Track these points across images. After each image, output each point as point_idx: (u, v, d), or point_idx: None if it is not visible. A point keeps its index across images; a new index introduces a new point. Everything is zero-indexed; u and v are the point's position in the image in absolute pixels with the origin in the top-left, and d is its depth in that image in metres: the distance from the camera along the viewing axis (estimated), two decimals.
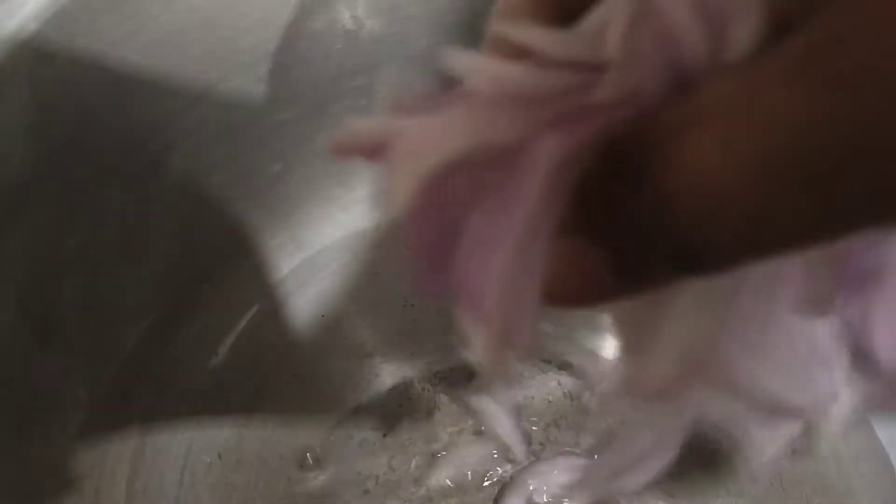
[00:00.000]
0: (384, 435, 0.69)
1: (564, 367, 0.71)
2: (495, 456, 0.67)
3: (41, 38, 0.48)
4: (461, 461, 0.67)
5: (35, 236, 0.52)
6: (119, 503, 0.61)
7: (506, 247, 0.20)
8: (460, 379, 0.70)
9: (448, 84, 0.21)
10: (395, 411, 0.71)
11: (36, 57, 0.48)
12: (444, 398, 0.71)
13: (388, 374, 0.72)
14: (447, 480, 0.66)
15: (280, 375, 0.72)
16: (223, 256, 0.71)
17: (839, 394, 0.27)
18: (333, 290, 0.77)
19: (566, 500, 0.64)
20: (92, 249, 0.57)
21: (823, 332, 0.26)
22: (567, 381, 0.71)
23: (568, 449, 0.67)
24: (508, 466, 0.67)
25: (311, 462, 0.67)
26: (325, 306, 0.76)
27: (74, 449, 0.58)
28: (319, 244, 0.77)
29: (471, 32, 0.66)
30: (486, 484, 0.66)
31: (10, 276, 0.51)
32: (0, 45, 0.46)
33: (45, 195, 0.52)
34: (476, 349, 0.22)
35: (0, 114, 0.47)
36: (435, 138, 0.20)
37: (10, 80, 0.46)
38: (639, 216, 0.19)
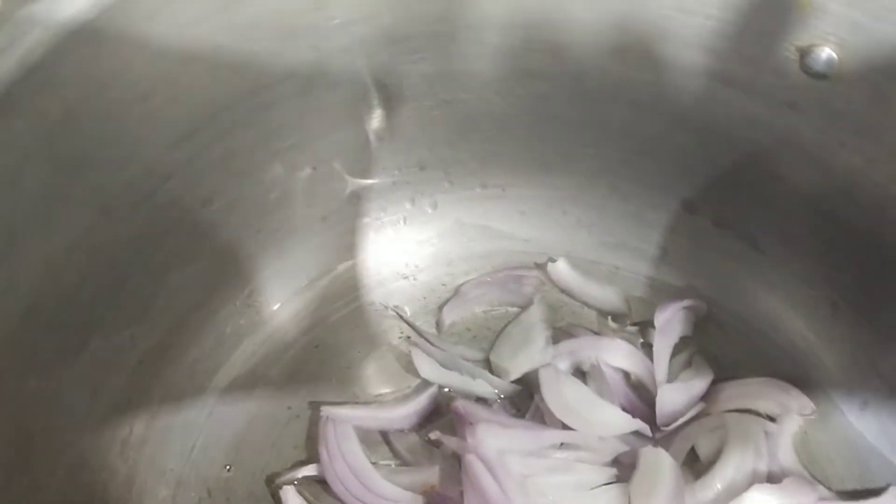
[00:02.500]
0: None
1: None
2: None
3: (47, 63, 0.45)
4: None
5: (37, 266, 0.49)
6: None
7: None
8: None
9: None
10: None
11: (43, 82, 0.46)
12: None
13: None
14: None
15: (273, 408, 0.70)
16: (217, 285, 0.69)
17: None
18: (327, 321, 0.75)
19: None
20: (88, 282, 0.54)
21: None
22: None
23: None
24: None
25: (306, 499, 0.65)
26: (320, 337, 0.74)
27: (62, 488, 0.55)
28: (314, 273, 0.75)
29: None
30: None
31: (14, 297, 0.48)
32: (7, 72, 0.43)
33: (50, 224, 0.49)
34: None
35: (4, 137, 0.45)
36: None
37: (14, 109, 0.44)
38: None
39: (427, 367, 0.71)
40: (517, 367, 0.71)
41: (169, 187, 0.58)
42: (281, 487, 0.65)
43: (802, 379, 0.71)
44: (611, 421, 0.66)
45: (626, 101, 0.68)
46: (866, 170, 0.61)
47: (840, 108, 0.60)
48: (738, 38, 0.61)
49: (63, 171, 0.49)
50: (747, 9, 0.59)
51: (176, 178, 0.58)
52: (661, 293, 0.76)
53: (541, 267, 0.78)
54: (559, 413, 0.66)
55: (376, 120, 0.69)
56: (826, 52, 0.57)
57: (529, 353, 0.71)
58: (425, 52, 0.65)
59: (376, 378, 0.73)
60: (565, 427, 0.66)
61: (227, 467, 0.67)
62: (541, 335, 0.72)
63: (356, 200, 0.74)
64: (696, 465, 0.67)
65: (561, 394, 0.67)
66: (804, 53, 0.58)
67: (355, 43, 0.62)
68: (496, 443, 0.63)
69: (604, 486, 0.64)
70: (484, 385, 0.70)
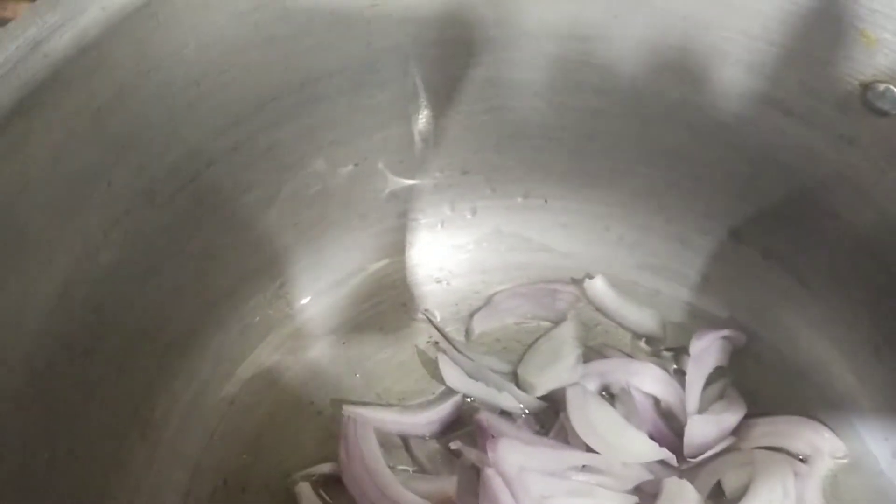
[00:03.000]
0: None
1: None
2: None
3: (103, 43, 0.45)
4: None
5: (74, 245, 0.49)
6: None
7: None
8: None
9: None
10: None
11: (96, 62, 0.45)
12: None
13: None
14: None
15: (295, 401, 0.70)
16: (249, 275, 0.68)
17: None
18: (357, 319, 0.74)
19: None
20: (124, 263, 0.54)
21: None
22: None
23: None
24: None
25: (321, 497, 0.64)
26: (348, 335, 0.73)
27: (74, 463, 0.55)
28: (347, 270, 0.75)
29: None
30: None
31: (50, 275, 0.49)
32: (61, 49, 0.43)
33: (90, 204, 0.49)
34: None
35: (53, 115, 0.45)
36: None
37: (65, 88, 0.44)
38: None
39: (453, 375, 0.70)
40: (544, 384, 0.69)
41: (211, 173, 0.58)
42: (297, 483, 0.64)
43: (837, 421, 0.69)
44: (636, 448, 0.64)
45: (680, 123, 0.67)
46: None
47: None
48: (801, 67, 0.59)
49: (108, 151, 0.49)
50: (812, 38, 0.57)
51: (219, 164, 0.58)
52: (699, 320, 0.74)
53: (577, 283, 0.76)
54: (584, 434, 0.64)
55: (423, 121, 0.68)
56: (889, 89, 0.55)
57: (558, 370, 0.70)
58: (479, 56, 0.64)
59: (401, 381, 0.72)
60: (589, 449, 0.64)
61: (245, 455, 0.66)
62: (571, 353, 0.71)
63: (395, 201, 0.73)
64: (721, 501, 0.65)
65: (587, 415, 0.65)
66: (866, 88, 0.56)
67: (408, 42, 0.61)
68: (517, 459, 0.62)
69: None
70: (509, 398, 0.69)
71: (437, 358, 0.71)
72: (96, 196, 0.50)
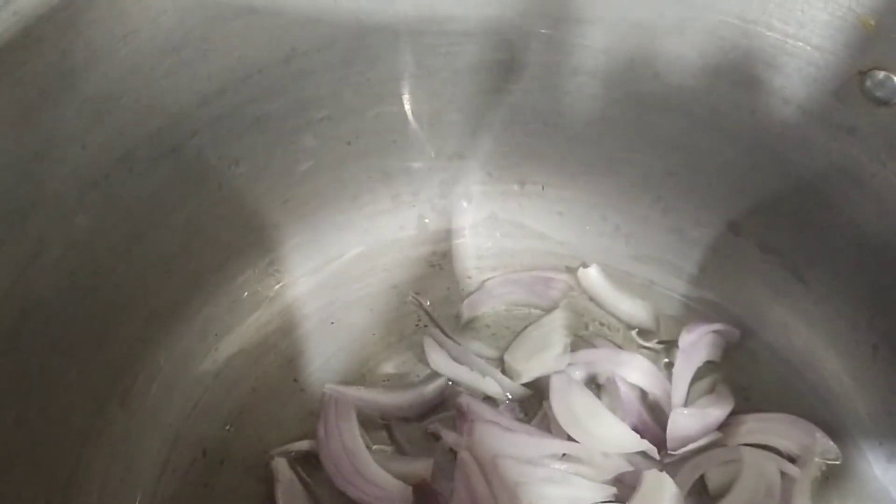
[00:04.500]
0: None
1: None
2: None
3: (75, 4, 0.45)
4: None
5: (47, 206, 0.50)
6: (92, 493, 0.58)
7: None
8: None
9: None
10: None
11: (68, 22, 0.46)
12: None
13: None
14: None
15: (279, 378, 0.70)
16: (238, 250, 0.69)
17: None
18: (346, 299, 0.74)
19: None
20: (102, 229, 0.55)
21: None
22: None
23: None
24: None
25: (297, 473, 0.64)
26: (336, 315, 0.73)
27: (48, 426, 0.56)
28: (339, 250, 0.74)
29: None
30: None
31: (21, 235, 0.49)
32: (31, 8, 0.44)
33: (64, 166, 0.50)
34: None
35: (22, 73, 0.45)
36: None
37: (34, 47, 0.44)
38: None
39: (438, 359, 0.69)
40: (530, 371, 0.68)
41: (195, 144, 0.58)
42: (274, 458, 0.64)
43: (831, 422, 0.67)
44: (617, 438, 0.63)
45: (678, 110, 0.65)
46: None
47: None
48: (799, 54, 0.57)
49: (82, 113, 0.50)
50: (810, 24, 0.55)
51: (202, 134, 0.58)
52: (693, 314, 0.73)
53: (571, 272, 0.75)
54: (564, 422, 0.63)
55: (417, 101, 0.68)
56: (888, 77, 0.53)
57: (545, 357, 0.69)
58: (472, 36, 0.64)
59: (387, 363, 0.72)
60: (570, 439, 0.63)
61: (228, 427, 0.67)
62: (559, 341, 0.70)
63: (388, 182, 0.73)
64: (703, 498, 0.64)
65: (569, 403, 0.64)
66: (865, 76, 0.54)
67: (399, 19, 0.61)
68: (494, 444, 0.61)
69: None
70: (493, 384, 0.68)
71: (423, 341, 0.71)
72: (70, 158, 0.50)
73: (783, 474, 0.64)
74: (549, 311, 0.74)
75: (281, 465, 0.64)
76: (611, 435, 0.63)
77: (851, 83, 0.56)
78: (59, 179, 0.50)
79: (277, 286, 0.72)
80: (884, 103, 0.55)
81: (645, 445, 0.63)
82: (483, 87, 0.68)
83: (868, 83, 0.55)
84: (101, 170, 0.53)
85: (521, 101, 0.69)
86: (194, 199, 0.62)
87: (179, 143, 0.57)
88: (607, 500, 0.61)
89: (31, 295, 0.51)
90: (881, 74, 0.54)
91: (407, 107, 0.68)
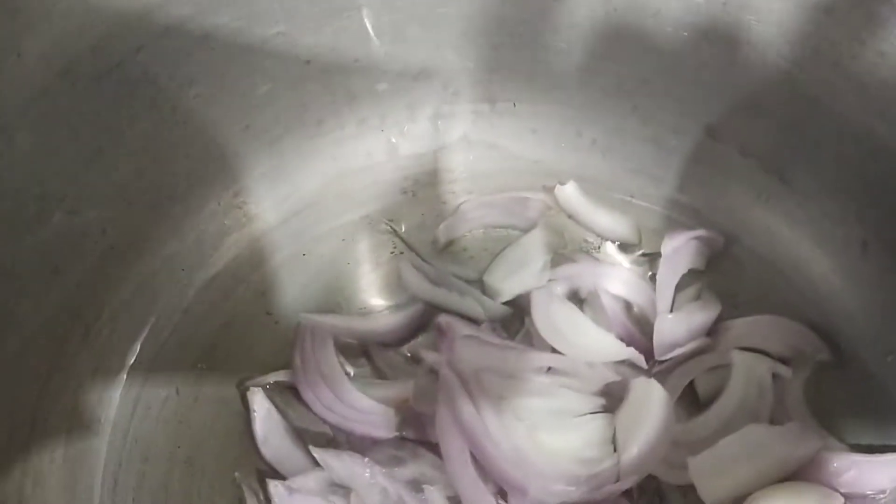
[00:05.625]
0: None
1: None
2: None
3: None
4: None
5: None
6: (59, 430, 0.56)
7: None
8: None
9: None
10: None
11: None
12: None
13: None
14: None
15: (251, 312, 0.67)
16: (200, 180, 0.66)
17: None
18: (317, 230, 0.71)
19: None
20: (45, 148, 0.52)
21: None
22: None
23: None
24: None
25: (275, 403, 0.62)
26: (308, 247, 0.71)
27: (10, 369, 0.53)
28: (306, 178, 0.72)
29: None
30: None
31: None
32: None
33: None
34: None
35: None
36: None
37: None
38: None
39: (414, 282, 0.67)
40: (510, 289, 0.66)
41: (140, 60, 0.55)
42: (249, 390, 0.62)
43: (821, 323, 0.65)
44: (602, 347, 0.61)
45: (647, 10, 0.63)
46: None
47: (882, 13, 0.54)
48: None
49: (13, 19, 0.47)
50: None
51: (148, 50, 0.55)
52: (675, 225, 0.71)
53: (548, 190, 0.73)
54: (547, 335, 0.61)
55: (376, 13, 0.65)
56: None
57: (524, 275, 0.67)
58: None
59: (363, 292, 0.70)
60: (554, 352, 0.61)
61: (200, 366, 0.64)
62: (539, 259, 0.68)
63: (353, 105, 0.70)
64: (693, 406, 0.62)
65: (550, 316, 0.62)
66: None
67: None
68: (476, 360, 0.59)
69: (588, 416, 0.59)
70: (473, 304, 0.66)
71: (399, 266, 0.68)
72: (6, 69, 0.47)
73: (775, 376, 0.62)
74: (527, 231, 0.71)
75: (257, 396, 0.62)
76: (595, 344, 0.62)
77: None
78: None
79: (244, 218, 0.70)
80: None
81: (631, 353, 0.61)
82: None
83: None
84: (41, 82, 0.50)
85: (483, 10, 0.66)
86: (146, 122, 0.59)
87: (123, 58, 0.54)
88: (595, 410, 0.59)
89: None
90: None
91: (366, 21, 0.65)
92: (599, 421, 0.58)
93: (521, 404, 0.58)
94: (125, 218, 0.61)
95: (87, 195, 0.57)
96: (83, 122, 0.54)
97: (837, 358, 0.64)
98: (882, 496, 0.57)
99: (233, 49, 0.61)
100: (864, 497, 0.57)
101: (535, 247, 0.69)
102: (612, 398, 0.61)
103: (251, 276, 0.69)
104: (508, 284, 0.67)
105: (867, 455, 0.58)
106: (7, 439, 0.53)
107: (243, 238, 0.70)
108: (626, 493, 0.56)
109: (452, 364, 0.59)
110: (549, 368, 0.61)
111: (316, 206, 0.72)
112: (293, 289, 0.69)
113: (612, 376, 0.61)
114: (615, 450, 0.56)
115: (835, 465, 0.57)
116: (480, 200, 0.73)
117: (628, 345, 0.62)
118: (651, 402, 0.58)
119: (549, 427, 0.58)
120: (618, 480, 0.55)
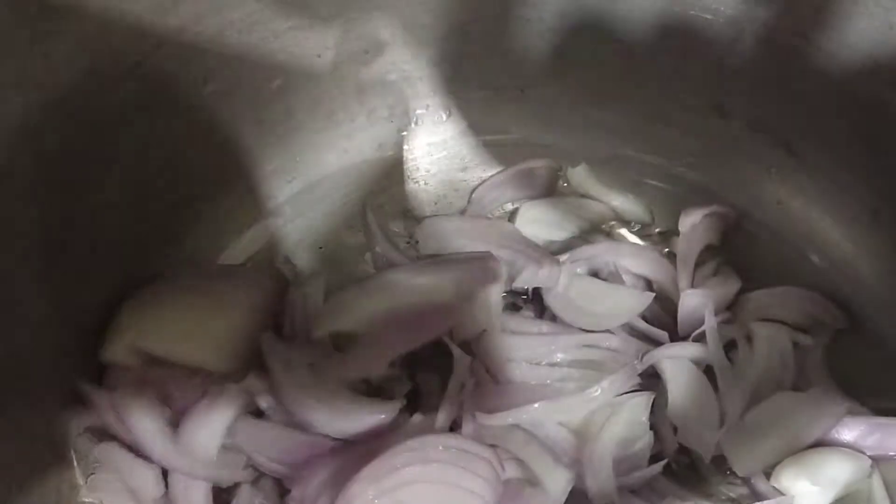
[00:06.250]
0: None
1: None
2: None
3: None
4: None
5: (12, 120, 0.46)
6: None
7: None
8: None
9: None
10: None
11: None
12: None
13: None
14: None
15: None
16: (215, 176, 0.66)
17: None
18: (333, 222, 0.72)
19: None
20: (72, 148, 0.51)
21: None
22: None
23: None
24: None
25: None
26: (324, 237, 0.71)
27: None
28: (320, 171, 0.72)
29: None
30: None
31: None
32: None
33: (27, 74, 0.46)
34: None
35: None
36: None
37: None
38: None
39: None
40: None
41: (160, 58, 0.55)
42: None
43: (835, 292, 0.66)
44: (623, 304, 0.63)
45: None
46: None
47: None
48: None
49: (39, 23, 0.46)
50: None
51: (167, 48, 0.55)
52: (688, 202, 0.71)
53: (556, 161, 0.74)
54: (568, 317, 0.62)
55: (386, 3, 0.65)
56: None
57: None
58: None
59: None
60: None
61: None
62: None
63: (364, 97, 0.70)
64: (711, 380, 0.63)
65: (566, 296, 0.63)
66: None
67: None
68: (504, 351, 0.59)
69: (626, 395, 0.59)
70: None
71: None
72: (34, 71, 0.47)
73: (795, 345, 0.64)
74: (540, 197, 0.72)
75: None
76: (617, 305, 0.63)
77: None
78: (25, 92, 0.46)
79: (260, 213, 0.70)
80: None
81: (648, 298, 0.63)
82: None
83: None
84: (67, 83, 0.49)
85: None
86: (165, 121, 0.59)
87: (144, 56, 0.54)
88: (629, 390, 0.59)
89: (4, 224, 0.48)
90: None
91: (376, 12, 0.65)
92: (639, 399, 0.59)
93: (552, 388, 0.58)
94: (146, 217, 0.61)
95: (111, 197, 0.56)
96: (106, 121, 0.54)
97: (853, 325, 0.65)
98: None
99: (246, 44, 0.60)
100: (890, 459, 0.59)
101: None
102: (643, 376, 0.61)
103: (269, 269, 0.68)
104: None
105: (890, 418, 0.59)
106: None
107: (260, 233, 0.70)
108: (666, 470, 0.57)
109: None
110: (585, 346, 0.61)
111: (329, 198, 0.72)
112: None
113: (643, 348, 0.61)
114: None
115: (860, 428, 0.58)
116: (490, 183, 0.73)
117: (651, 324, 0.63)
118: (691, 380, 0.59)
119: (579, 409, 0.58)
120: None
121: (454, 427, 0.56)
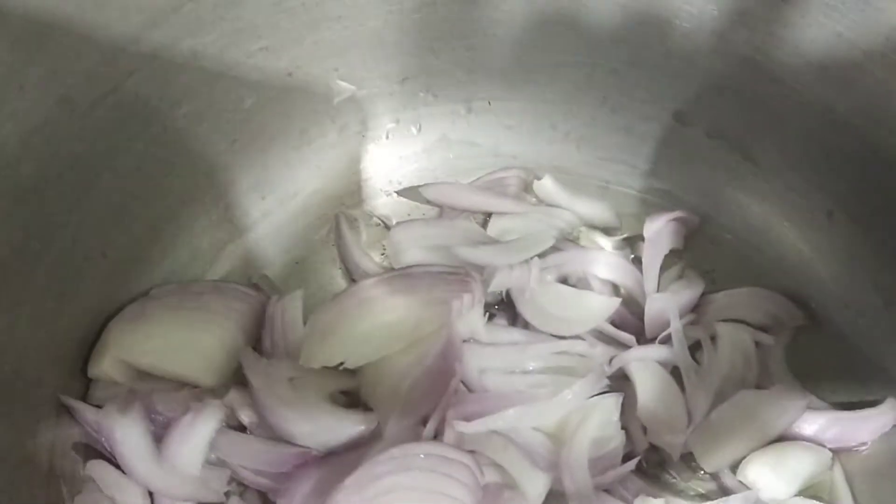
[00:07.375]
0: None
1: None
2: None
3: None
4: None
5: None
6: None
7: None
8: None
9: None
10: None
11: None
12: None
13: None
14: None
15: None
16: (192, 197, 0.66)
17: None
18: (308, 237, 0.73)
19: None
20: (48, 178, 0.52)
21: None
22: None
23: None
24: None
25: None
26: (300, 252, 0.72)
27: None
28: (294, 187, 0.73)
29: None
30: None
31: None
32: None
33: (2, 109, 0.47)
34: None
35: None
36: None
37: None
38: None
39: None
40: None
41: (134, 83, 0.56)
42: None
43: (795, 292, 0.69)
44: (591, 309, 0.65)
45: (614, 3, 0.65)
46: (865, 63, 0.58)
47: None
48: None
49: (15, 50, 0.47)
50: None
51: (140, 73, 0.56)
52: (652, 208, 0.74)
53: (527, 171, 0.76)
54: (538, 322, 0.64)
55: (354, 23, 0.66)
56: None
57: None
58: None
59: None
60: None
61: None
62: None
63: (335, 113, 0.72)
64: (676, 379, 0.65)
65: (535, 302, 0.65)
66: None
67: None
68: (479, 362, 0.61)
69: (598, 397, 0.61)
70: None
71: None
72: (9, 102, 0.47)
73: (758, 344, 0.66)
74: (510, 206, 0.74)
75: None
76: (586, 310, 0.65)
77: None
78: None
79: (236, 231, 0.71)
80: None
81: (616, 303, 0.65)
82: (418, 2, 0.66)
83: None
84: (41, 113, 0.50)
85: (457, 14, 0.68)
86: (140, 144, 0.59)
87: (118, 83, 0.55)
88: (599, 392, 0.62)
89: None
90: None
91: (345, 31, 0.67)
92: (609, 400, 0.61)
93: (526, 395, 0.60)
94: (124, 240, 0.61)
95: (89, 221, 0.57)
96: (82, 148, 0.55)
97: (812, 323, 0.68)
98: (864, 447, 0.62)
99: (219, 66, 0.62)
100: (849, 450, 0.62)
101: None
102: (612, 378, 0.63)
103: (248, 285, 0.69)
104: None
105: (848, 412, 0.62)
106: None
107: (237, 250, 0.71)
108: (637, 468, 0.59)
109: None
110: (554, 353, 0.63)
111: (304, 214, 0.73)
112: None
113: (612, 352, 0.64)
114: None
115: (821, 422, 0.61)
116: (461, 194, 0.75)
117: (619, 327, 0.66)
118: (659, 381, 0.61)
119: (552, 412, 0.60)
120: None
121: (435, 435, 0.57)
